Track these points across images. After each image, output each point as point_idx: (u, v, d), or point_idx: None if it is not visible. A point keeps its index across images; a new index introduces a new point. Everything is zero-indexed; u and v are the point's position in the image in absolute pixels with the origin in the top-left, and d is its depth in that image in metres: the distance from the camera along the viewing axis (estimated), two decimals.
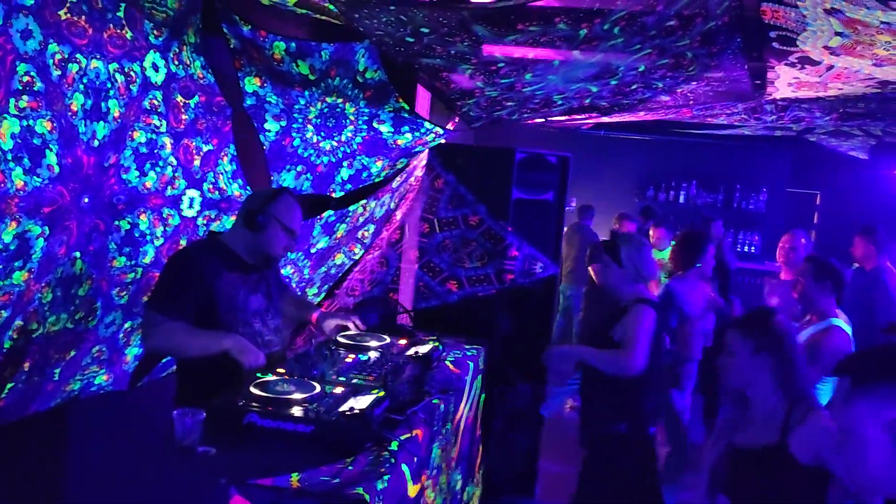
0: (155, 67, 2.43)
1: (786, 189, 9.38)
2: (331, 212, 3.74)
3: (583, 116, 5.04)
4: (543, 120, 5.08)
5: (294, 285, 3.82)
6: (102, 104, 2.23)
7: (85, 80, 2.14)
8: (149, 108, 2.46)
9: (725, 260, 6.38)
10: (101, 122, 2.25)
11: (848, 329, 3.46)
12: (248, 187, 3.08)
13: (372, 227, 4.31)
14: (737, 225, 9.25)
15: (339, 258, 4.24)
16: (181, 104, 2.60)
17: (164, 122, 2.54)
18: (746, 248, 9.18)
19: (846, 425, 1.30)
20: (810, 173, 9.31)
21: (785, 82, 3.64)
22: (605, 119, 5.33)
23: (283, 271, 3.60)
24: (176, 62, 2.51)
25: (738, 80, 3.64)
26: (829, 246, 6.40)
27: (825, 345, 3.33)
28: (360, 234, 4.24)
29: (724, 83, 3.72)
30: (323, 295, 4.36)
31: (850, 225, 5.36)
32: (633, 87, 3.78)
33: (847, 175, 8.89)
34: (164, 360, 3.12)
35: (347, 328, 2.98)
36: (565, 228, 6.06)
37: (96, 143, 2.25)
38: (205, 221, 2.97)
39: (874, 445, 1.24)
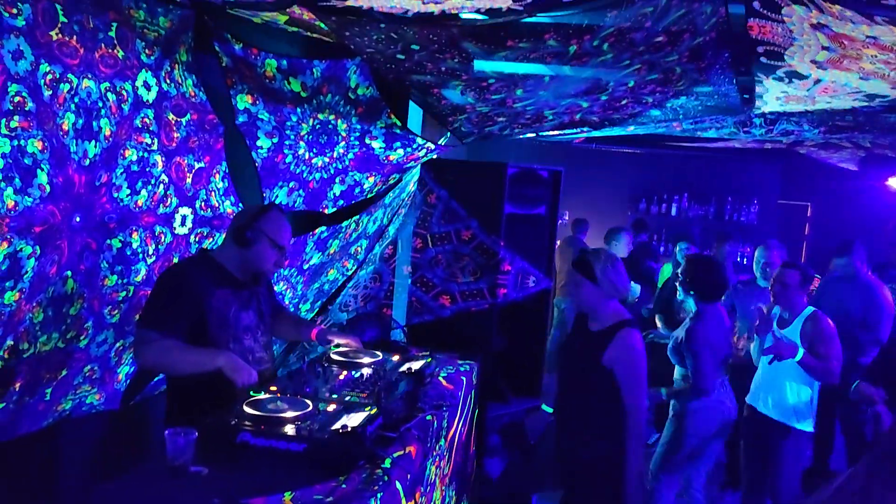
0: (147, 86, 2.44)
1: (777, 201, 9.44)
2: (323, 228, 3.74)
3: (574, 131, 5.06)
4: (535, 134, 5.11)
5: (287, 301, 3.82)
6: (94, 123, 2.24)
7: (76, 100, 2.14)
8: (140, 126, 2.46)
9: None
10: (93, 142, 2.25)
11: None
12: (240, 204, 3.09)
13: (364, 243, 4.31)
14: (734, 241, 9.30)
15: (332, 274, 4.24)
16: (173, 122, 2.61)
17: (155, 141, 2.55)
18: (738, 260, 9.22)
19: None
20: (801, 185, 9.38)
21: (773, 96, 3.67)
22: (597, 133, 5.36)
23: (276, 287, 3.61)
24: (168, 80, 2.52)
25: (726, 95, 3.67)
26: (820, 256, 6.43)
27: (826, 323, 3.87)
28: (352, 250, 4.24)
29: (713, 97, 3.75)
30: (316, 311, 4.35)
31: (840, 236, 5.42)
32: (624, 101, 3.81)
33: (837, 186, 8.95)
34: (155, 379, 3.11)
35: (348, 346, 2.98)
36: (558, 242, 6.07)
37: (87, 162, 2.25)
38: (197, 239, 2.97)
39: None
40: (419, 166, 4.24)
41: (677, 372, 4.03)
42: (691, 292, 3.89)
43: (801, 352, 3.74)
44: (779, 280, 3.98)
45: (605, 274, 3.13)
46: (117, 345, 2.80)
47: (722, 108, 4.12)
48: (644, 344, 3.16)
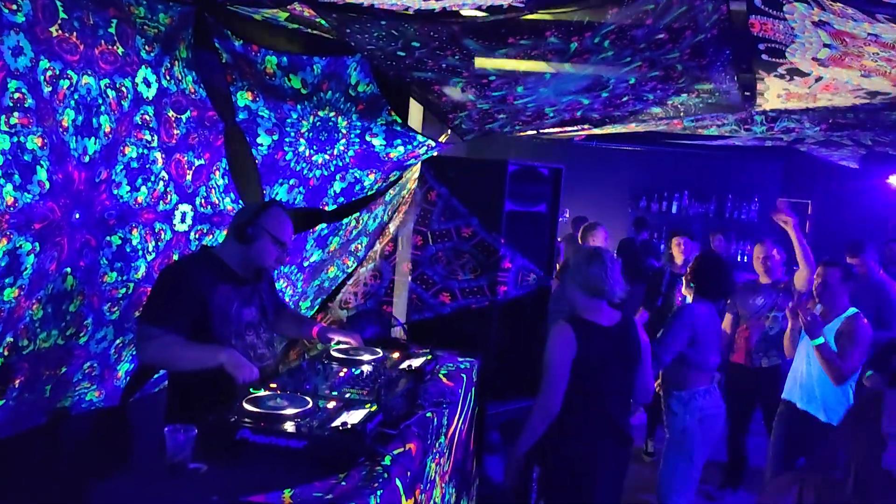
0: (146, 83, 2.44)
1: (777, 198, 9.43)
2: (324, 225, 3.74)
3: (575, 128, 5.06)
4: (535, 132, 5.10)
5: (287, 299, 3.82)
6: (94, 120, 2.23)
7: (76, 96, 2.14)
8: (140, 123, 2.46)
9: None
10: (93, 138, 2.25)
11: None
12: (240, 201, 3.08)
13: (365, 240, 4.31)
14: (729, 235, 9.30)
15: (333, 271, 4.23)
16: (173, 119, 2.61)
17: (155, 137, 2.55)
18: (739, 258, 9.22)
19: None
20: (801, 182, 9.36)
21: (774, 94, 3.67)
22: (598, 131, 5.35)
23: (276, 285, 3.60)
24: (168, 77, 2.52)
25: (727, 92, 3.67)
26: (821, 254, 6.41)
27: (861, 327, 3.95)
28: (353, 247, 4.24)
29: (714, 95, 3.74)
30: (316, 308, 4.35)
31: (841, 233, 5.42)
32: (624, 99, 3.80)
33: (838, 184, 8.95)
34: (155, 376, 3.11)
35: (349, 343, 2.98)
36: (559, 239, 6.06)
37: (87, 158, 2.25)
38: (197, 236, 2.97)
39: None
40: (419, 163, 4.23)
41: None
42: (692, 285, 3.87)
43: (821, 339, 3.83)
44: (820, 278, 4.08)
45: (578, 272, 3.12)
46: (117, 342, 2.80)
47: (723, 106, 4.11)
48: (571, 340, 3.05)
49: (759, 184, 9.34)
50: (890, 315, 4.87)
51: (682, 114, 4.38)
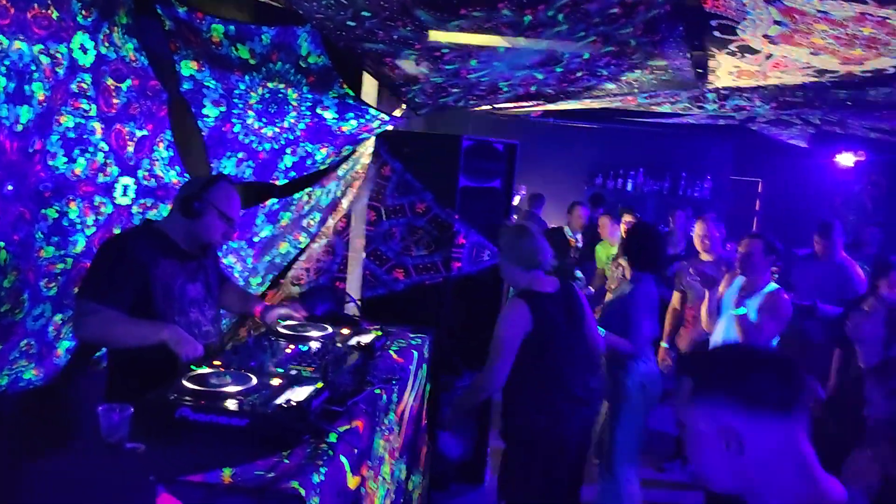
0: (83, 49, 2.33)
1: (729, 177, 9.59)
2: (274, 200, 3.67)
3: (530, 104, 5.04)
4: (490, 106, 5.07)
5: (237, 275, 3.74)
6: (26, 87, 2.13)
7: (7, 62, 2.04)
8: (77, 91, 2.36)
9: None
10: (25, 106, 2.15)
11: None
12: (186, 175, 2.99)
13: (317, 216, 4.24)
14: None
15: (284, 247, 4.16)
16: (112, 88, 2.51)
17: (93, 107, 2.45)
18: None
19: (686, 424, 1.35)
20: (753, 161, 9.53)
21: (726, 71, 3.69)
22: (553, 106, 5.34)
23: (225, 260, 3.52)
24: (106, 44, 2.41)
25: (680, 69, 3.68)
26: (770, 231, 6.55)
27: (782, 302, 3.96)
28: (305, 223, 4.17)
29: (668, 72, 3.75)
30: (267, 284, 4.28)
31: (790, 211, 5.53)
32: (579, 74, 3.79)
33: (788, 163, 9.12)
34: (98, 354, 3.03)
35: (292, 318, 2.93)
36: (514, 216, 6.07)
37: (20, 127, 2.15)
38: (140, 210, 2.88)
39: (708, 447, 1.30)
40: (373, 137, 4.17)
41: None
42: (626, 257, 3.91)
43: (744, 310, 3.88)
44: (744, 249, 4.10)
45: (509, 246, 3.17)
46: (56, 319, 2.71)
47: (676, 83, 4.13)
48: (525, 315, 3.10)
49: (712, 162, 9.48)
50: (852, 296, 4.96)
51: (635, 90, 4.39)
